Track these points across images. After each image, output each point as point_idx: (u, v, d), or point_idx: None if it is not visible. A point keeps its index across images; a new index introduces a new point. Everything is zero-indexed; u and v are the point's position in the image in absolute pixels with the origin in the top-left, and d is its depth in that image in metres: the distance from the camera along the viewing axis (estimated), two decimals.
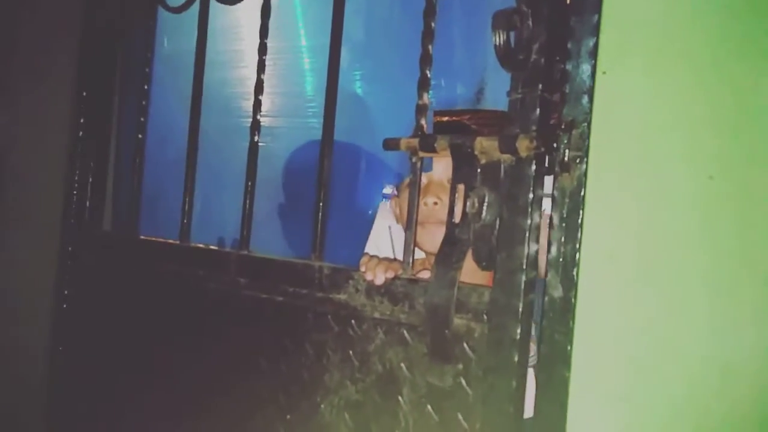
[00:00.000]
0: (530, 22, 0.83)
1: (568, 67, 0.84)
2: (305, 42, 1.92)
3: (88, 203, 1.66)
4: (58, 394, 1.65)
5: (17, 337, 1.74)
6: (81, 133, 1.65)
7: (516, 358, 0.85)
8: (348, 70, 1.78)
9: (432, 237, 1.08)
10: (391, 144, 0.98)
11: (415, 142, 0.96)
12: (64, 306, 1.66)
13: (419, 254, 1.14)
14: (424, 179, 1.14)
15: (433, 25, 0.97)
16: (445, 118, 1.13)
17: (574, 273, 0.81)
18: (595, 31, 0.82)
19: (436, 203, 1.12)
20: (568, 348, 0.81)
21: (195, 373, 1.32)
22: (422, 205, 1.12)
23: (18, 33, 1.72)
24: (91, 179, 1.66)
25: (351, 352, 1.06)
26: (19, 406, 1.72)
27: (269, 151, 1.88)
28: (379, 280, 1.01)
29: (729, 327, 0.77)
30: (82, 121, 1.66)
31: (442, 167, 1.12)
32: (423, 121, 0.98)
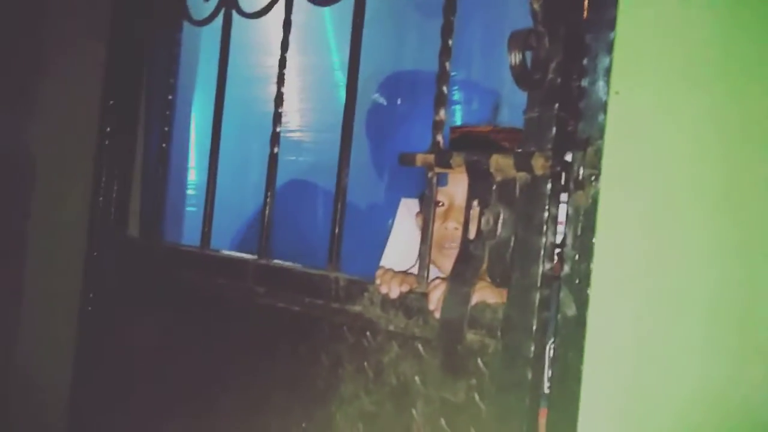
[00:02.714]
0: (547, 42, 0.83)
1: (584, 84, 0.84)
2: (336, 58, 1.94)
3: (113, 209, 1.70)
4: (81, 394, 1.69)
5: (43, 339, 1.78)
6: (107, 141, 1.69)
7: (529, 376, 0.85)
8: (372, 83, 1.79)
9: (451, 261, 1.08)
10: (407, 159, 0.99)
11: (431, 157, 0.96)
12: (89, 308, 1.70)
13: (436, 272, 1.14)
14: (445, 201, 1.15)
15: (450, 42, 0.97)
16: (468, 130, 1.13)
17: (588, 292, 0.81)
18: (611, 48, 0.82)
19: (457, 228, 1.12)
20: (581, 367, 0.81)
21: (212, 379, 1.34)
22: (443, 228, 1.12)
23: (46, 44, 1.77)
24: (116, 186, 1.70)
25: (365, 363, 1.07)
26: (43, 406, 1.77)
27: (300, 164, 1.90)
28: (394, 293, 1.01)
29: (748, 348, 0.77)
30: (108, 129, 1.70)
31: (463, 191, 1.11)
32: (439, 137, 0.99)
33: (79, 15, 1.75)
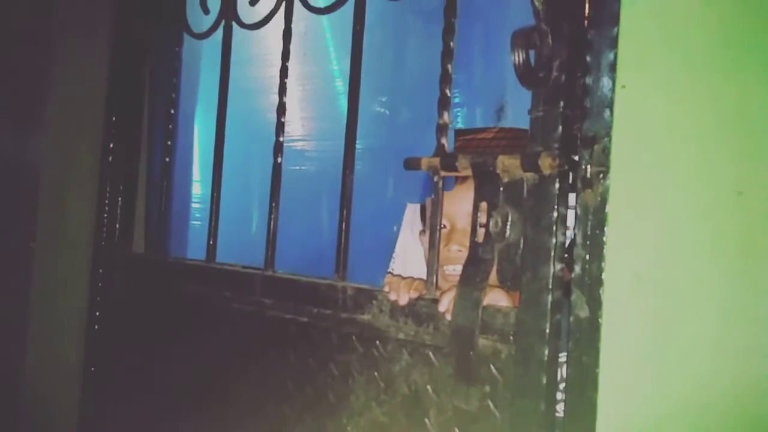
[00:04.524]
0: (550, 39, 0.82)
1: (589, 81, 0.83)
2: (336, 66, 1.94)
3: (117, 225, 1.69)
4: (89, 414, 1.68)
5: (50, 358, 1.77)
6: (110, 157, 1.69)
7: (544, 381, 0.84)
8: (374, 91, 1.79)
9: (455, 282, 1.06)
10: (412, 164, 0.98)
11: (436, 161, 0.95)
12: (96, 327, 1.69)
13: None
14: (446, 223, 1.13)
15: (452, 44, 0.97)
16: (468, 137, 1.12)
17: (600, 292, 0.79)
18: (615, 43, 0.81)
19: (460, 251, 1.10)
20: (596, 370, 0.79)
21: (221, 392, 1.32)
22: (445, 251, 1.10)
23: (51, 60, 1.78)
24: (120, 202, 1.70)
25: (376, 373, 1.05)
26: (52, 425, 1.76)
27: (303, 174, 1.88)
28: (403, 300, 1.00)
29: (762, 347, 0.74)
30: (111, 145, 1.70)
31: (464, 214, 1.10)
32: (444, 140, 0.97)
33: (82, 32, 1.76)
